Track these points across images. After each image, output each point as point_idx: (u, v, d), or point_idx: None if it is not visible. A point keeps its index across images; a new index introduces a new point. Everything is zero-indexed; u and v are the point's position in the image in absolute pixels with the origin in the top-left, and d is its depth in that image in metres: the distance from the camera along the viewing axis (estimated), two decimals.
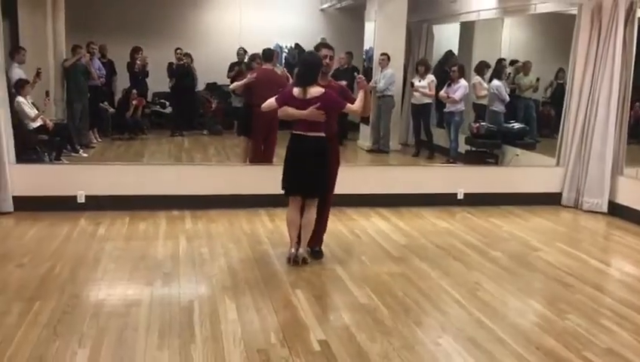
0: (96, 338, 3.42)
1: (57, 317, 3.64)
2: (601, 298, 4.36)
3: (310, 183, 4.66)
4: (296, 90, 4.58)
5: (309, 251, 4.89)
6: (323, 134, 4.62)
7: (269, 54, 7.18)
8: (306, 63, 4.67)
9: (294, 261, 4.73)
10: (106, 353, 3.26)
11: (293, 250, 4.77)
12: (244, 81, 6.97)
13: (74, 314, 3.70)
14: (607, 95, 6.65)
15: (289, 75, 7.60)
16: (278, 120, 6.12)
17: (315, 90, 4.53)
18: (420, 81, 9.04)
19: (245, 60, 10.66)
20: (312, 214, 4.75)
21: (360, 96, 4.61)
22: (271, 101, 4.71)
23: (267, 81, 6.62)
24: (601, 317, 4.00)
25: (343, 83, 5.86)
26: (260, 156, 7.05)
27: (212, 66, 10.71)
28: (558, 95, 8.33)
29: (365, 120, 9.59)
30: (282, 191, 4.80)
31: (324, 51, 4.72)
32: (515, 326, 3.80)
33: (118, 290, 4.16)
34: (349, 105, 4.60)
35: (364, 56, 10.10)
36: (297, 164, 4.65)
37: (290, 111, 4.59)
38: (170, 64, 10.36)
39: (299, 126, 4.63)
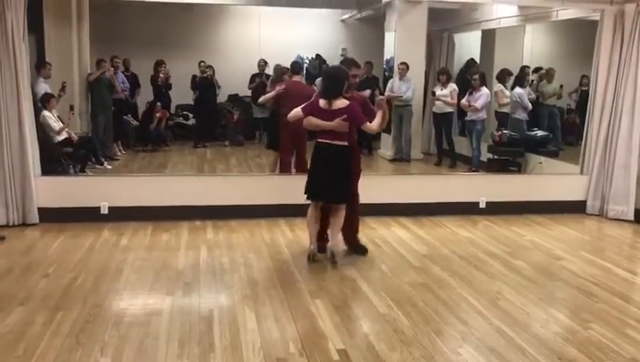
0: (118, 347, 3.46)
1: (80, 327, 3.70)
2: (626, 307, 4.27)
3: (334, 190, 4.88)
4: (322, 102, 4.81)
5: (354, 247, 5.20)
6: (346, 143, 4.85)
7: (297, 67, 7.36)
8: (331, 77, 4.90)
9: (313, 258, 5.00)
10: (127, 361, 3.30)
11: (312, 247, 5.01)
12: (274, 93, 7.06)
13: (96, 324, 3.75)
14: (632, 101, 6.55)
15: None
16: (306, 130, 6.35)
17: (340, 103, 4.77)
18: (441, 89, 9.02)
19: (266, 71, 10.82)
20: (340, 217, 4.98)
21: (378, 116, 4.88)
22: (297, 111, 4.94)
23: (296, 93, 6.71)
24: (625, 326, 3.92)
25: (366, 93, 5.93)
26: (288, 168, 7.11)
27: (233, 78, 10.86)
28: (582, 102, 8.22)
29: (387, 129, 9.59)
30: (305, 196, 5.03)
31: (353, 70, 5.02)
32: (537, 336, 3.75)
33: (139, 300, 4.21)
34: (367, 123, 4.84)
35: (384, 66, 10.10)
36: (322, 172, 4.88)
37: (314, 121, 4.85)
38: (194, 77, 10.51)
39: (323, 135, 4.86)
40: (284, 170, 7.11)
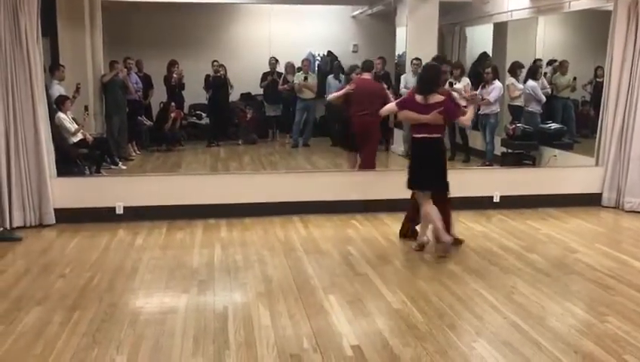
0: (134, 345, 3.50)
1: (96, 326, 3.74)
2: None
3: (438, 180, 5.17)
4: (418, 97, 5.08)
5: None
6: (440, 135, 5.17)
7: (368, 65, 7.33)
8: (428, 74, 5.18)
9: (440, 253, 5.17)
10: (142, 359, 3.34)
11: (447, 237, 5.13)
12: (343, 91, 7.03)
13: (112, 322, 3.80)
14: None
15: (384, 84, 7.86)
16: (377, 128, 6.95)
17: (436, 97, 5.04)
18: (455, 83, 8.96)
19: (277, 69, 10.85)
20: (447, 207, 5.24)
21: (470, 111, 5.30)
22: (391, 105, 5.42)
23: (366, 91, 6.82)
24: None
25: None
26: (370, 162, 7.06)
27: (245, 77, 10.90)
28: (596, 94, 8.14)
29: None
30: (409, 189, 5.31)
31: (443, 67, 5.50)
32: (552, 330, 3.73)
33: (154, 298, 4.25)
34: (460, 117, 5.23)
35: (396, 61, 10.08)
36: (424, 164, 5.17)
37: (411, 114, 5.13)
38: (208, 76, 10.56)
39: (420, 130, 5.11)
40: (367, 166, 6.97)
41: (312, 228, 5.99)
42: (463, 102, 5.61)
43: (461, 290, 4.38)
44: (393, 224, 6.16)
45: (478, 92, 7.62)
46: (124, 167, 8.30)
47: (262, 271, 4.80)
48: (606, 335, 3.65)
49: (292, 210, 6.41)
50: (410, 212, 5.56)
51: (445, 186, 5.21)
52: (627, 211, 6.69)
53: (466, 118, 5.26)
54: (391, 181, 6.79)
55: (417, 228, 5.47)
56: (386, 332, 3.69)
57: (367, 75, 7.13)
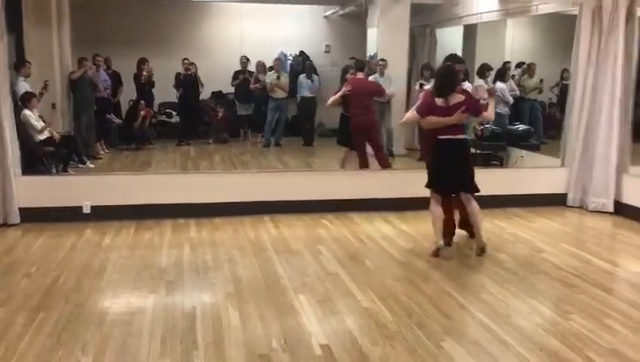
0: (100, 346, 3.45)
1: (61, 326, 3.68)
2: (606, 298, 4.32)
3: (463, 180, 5.12)
4: (438, 100, 5.03)
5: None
6: (465, 136, 5.20)
7: (361, 64, 7.60)
8: (445, 76, 5.14)
9: (439, 254, 5.12)
10: (108, 360, 3.30)
11: (441, 243, 5.13)
12: (340, 94, 7.29)
13: (78, 323, 3.74)
14: (610, 95, 6.63)
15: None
16: (376, 125, 7.32)
17: (456, 97, 5.02)
18: (425, 85, 9.03)
19: (248, 68, 10.81)
20: (476, 207, 5.14)
21: (491, 105, 5.29)
22: (412, 115, 5.33)
23: (361, 90, 7.18)
24: (606, 317, 3.97)
25: None
26: (366, 165, 7.31)
27: (216, 75, 10.82)
28: (563, 96, 8.30)
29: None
30: (429, 189, 5.23)
31: (457, 66, 5.38)
32: (519, 329, 3.79)
33: (122, 299, 4.20)
34: (484, 112, 5.20)
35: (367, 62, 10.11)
36: (448, 166, 5.12)
37: (435, 119, 5.06)
38: (178, 74, 10.45)
39: (444, 131, 5.05)
40: (364, 165, 7.31)
41: (282, 228, 5.99)
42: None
43: (430, 289, 4.43)
44: (364, 223, 6.20)
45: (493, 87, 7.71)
46: (92, 166, 8.16)
47: (231, 271, 4.77)
48: (570, 333, 3.72)
49: (263, 210, 6.39)
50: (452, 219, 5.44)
51: (472, 187, 5.15)
52: (591, 211, 6.83)
53: (489, 113, 5.25)
54: (362, 181, 6.86)
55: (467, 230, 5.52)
56: (355, 331, 3.71)
57: (360, 75, 7.45)
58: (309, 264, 4.96)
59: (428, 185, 5.22)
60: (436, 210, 5.16)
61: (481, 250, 5.17)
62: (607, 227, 6.38)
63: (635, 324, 3.86)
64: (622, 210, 6.67)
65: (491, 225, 6.22)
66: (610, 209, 6.73)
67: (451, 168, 5.12)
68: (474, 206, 5.13)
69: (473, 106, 5.11)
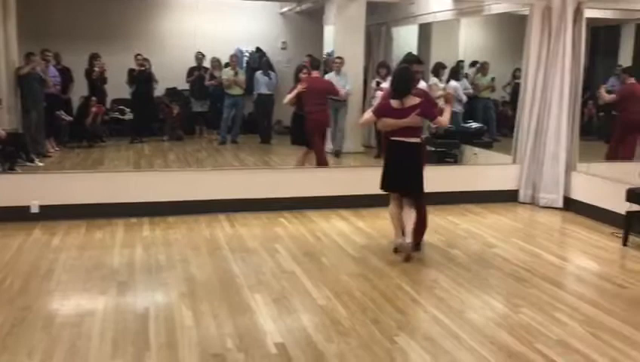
0: (47, 349, 3.35)
1: (6, 330, 3.56)
2: (555, 292, 4.44)
3: (407, 183, 5.09)
4: (394, 102, 4.98)
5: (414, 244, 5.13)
6: (418, 140, 5.07)
7: (317, 63, 7.70)
8: (401, 78, 5.04)
9: (399, 250, 5.11)
10: None
11: (399, 240, 5.09)
12: (294, 92, 7.36)
13: (24, 327, 3.61)
14: (559, 93, 6.81)
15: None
16: (330, 123, 7.51)
17: (412, 100, 4.95)
18: (382, 83, 9.09)
19: (204, 64, 10.68)
20: (411, 211, 5.07)
21: (447, 110, 5.19)
22: (368, 115, 5.30)
23: (316, 88, 7.26)
24: (554, 310, 4.08)
25: None
26: (324, 158, 7.37)
27: (171, 71, 10.66)
28: (515, 94, 8.48)
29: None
30: (381, 190, 5.22)
31: (415, 67, 5.16)
32: (471, 322, 3.85)
33: (71, 300, 4.09)
34: (438, 117, 5.10)
35: (324, 59, 10.12)
36: (397, 167, 5.09)
37: (390, 121, 5.01)
38: (131, 70, 10.24)
39: (397, 133, 5.01)
40: (322, 162, 7.33)
41: (238, 227, 5.94)
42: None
43: (385, 285, 4.46)
44: (321, 221, 6.21)
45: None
46: (40, 164, 7.91)
47: (185, 270, 4.70)
48: (520, 326, 3.81)
49: (219, 208, 6.33)
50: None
51: (419, 190, 5.11)
52: (542, 207, 7.01)
53: (444, 119, 5.11)
54: (319, 178, 6.86)
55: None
56: (310, 328, 3.70)
57: (316, 74, 7.54)
58: (264, 262, 4.94)
59: (381, 187, 5.19)
60: (391, 208, 5.16)
61: (409, 254, 5.06)
62: (557, 222, 6.56)
63: (582, 317, 3.98)
64: (571, 205, 6.87)
65: (445, 222, 6.31)
66: (560, 205, 6.92)
67: (401, 170, 5.08)
68: (413, 211, 5.04)
69: (428, 110, 5.02)
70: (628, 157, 7.51)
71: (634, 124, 7.61)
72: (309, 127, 7.31)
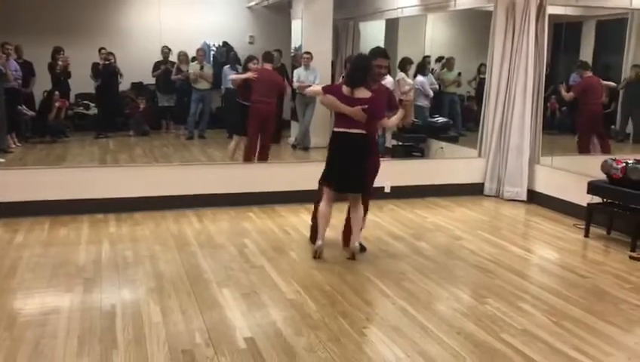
0: (10, 349, 3.28)
1: None
2: (520, 282, 4.54)
3: (349, 179, 4.79)
4: (345, 89, 4.72)
5: (360, 246, 4.97)
6: (364, 132, 4.73)
7: (270, 56, 7.59)
8: (356, 66, 4.81)
9: (319, 255, 4.89)
10: None
11: (319, 242, 4.88)
12: (244, 76, 7.35)
13: None
14: (523, 89, 6.94)
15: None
16: (274, 118, 7.25)
17: (364, 93, 4.70)
18: None
19: (170, 58, 10.55)
20: (359, 211, 4.87)
21: (398, 114, 4.91)
22: (317, 88, 5.16)
23: (267, 81, 7.17)
24: (519, 300, 4.17)
25: None
26: (253, 154, 7.24)
27: (136, 65, 10.49)
28: (480, 89, 8.61)
29: (295, 116, 9.65)
30: (319, 183, 4.97)
31: (379, 61, 4.84)
32: (438, 313, 3.91)
33: (35, 299, 4.00)
34: (385, 119, 4.85)
35: (292, 54, 10.12)
36: (338, 160, 4.80)
37: (333, 101, 4.74)
38: (96, 64, 10.06)
39: (341, 123, 4.75)
40: (248, 157, 7.22)
41: (206, 222, 5.90)
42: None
43: (353, 278, 4.49)
44: (289, 215, 6.21)
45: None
46: (2, 160, 7.72)
47: (153, 266, 4.65)
48: (485, 316, 3.88)
49: (186, 204, 6.28)
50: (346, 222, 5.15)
51: (360, 189, 4.84)
52: (507, 200, 7.15)
53: (390, 121, 4.88)
54: (287, 173, 6.85)
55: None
56: (279, 322, 3.71)
57: (268, 66, 7.42)
58: (233, 257, 4.92)
59: (320, 180, 4.95)
60: (322, 205, 4.89)
61: (352, 255, 4.88)
62: (521, 215, 6.69)
63: (545, 306, 4.08)
64: (534, 198, 7.02)
65: (413, 215, 6.39)
66: (524, 197, 7.06)
67: (342, 164, 4.77)
68: (359, 210, 4.84)
69: (376, 108, 4.70)
70: (590, 149, 7.73)
71: (594, 116, 7.82)
72: (252, 116, 7.14)
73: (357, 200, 4.87)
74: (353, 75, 4.75)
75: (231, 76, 7.75)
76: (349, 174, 4.78)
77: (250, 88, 7.14)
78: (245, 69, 7.70)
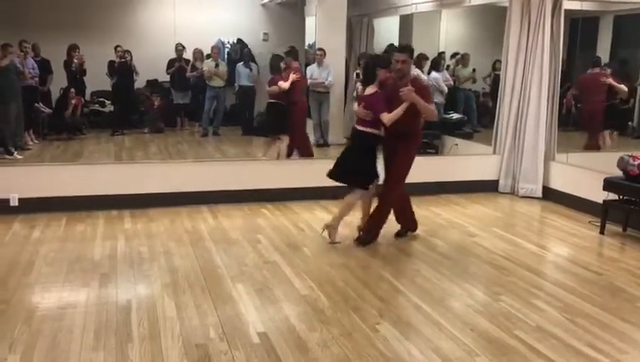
0: (29, 342, 3.33)
1: None
2: (534, 279, 4.52)
3: (344, 172, 5.09)
4: (359, 87, 5.19)
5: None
6: (369, 130, 4.96)
7: (296, 53, 7.76)
8: (365, 65, 5.13)
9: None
10: (38, 356, 3.19)
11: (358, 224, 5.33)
12: (292, 79, 7.14)
13: (3, 321, 3.59)
14: (538, 85, 6.88)
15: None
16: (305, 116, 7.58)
17: (369, 90, 4.94)
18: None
19: (184, 56, 10.59)
20: (345, 201, 5.18)
21: (398, 110, 4.82)
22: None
23: (303, 78, 7.46)
24: (532, 297, 4.15)
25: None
26: (309, 150, 7.55)
27: (151, 63, 10.54)
28: (495, 86, 8.55)
29: (309, 115, 9.64)
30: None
31: (396, 56, 4.93)
32: (452, 310, 3.91)
33: (52, 293, 4.06)
34: (381, 115, 4.85)
35: (305, 50, 10.11)
36: (342, 154, 5.19)
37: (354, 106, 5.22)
38: (112, 62, 10.13)
39: (356, 120, 5.12)
40: (309, 153, 7.53)
41: (221, 218, 5.93)
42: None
43: (367, 275, 4.50)
44: (303, 212, 6.23)
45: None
46: (19, 157, 7.81)
47: (168, 262, 4.69)
48: (499, 313, 3.87)
49: (200, 200, 6.32)
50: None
51: (350, 181, 5.15)
52: (521, 197, 7.11)
53: (387, 117, 4.84)
54: (301, 169, 6.87)
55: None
56: (292, 317, 3.73)
57: (296, 64, 7.52)
58: (247, 253, 4.95)
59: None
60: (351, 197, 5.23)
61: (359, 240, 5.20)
62: (536, 212, 6.65)
63: (560, 303, 4.05)
64: (549, 195, 6.97)
65: (427, 212, 6.37)
66: (539, 194, 7.01)
67: (343, 157, 5.16)
68: (349, 197, 5.16)
69: (371, 105, 4.88)
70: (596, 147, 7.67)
71: (591, 114, 7.76)
72: (298, 114, 7.40)
73: (349, 192, 5.17)
74: (363, 75, 5.12)
75: (280, 84, 7.22)
76: (345, 167, 5.09)
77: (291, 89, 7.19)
78: (276, 70, 7.52)
